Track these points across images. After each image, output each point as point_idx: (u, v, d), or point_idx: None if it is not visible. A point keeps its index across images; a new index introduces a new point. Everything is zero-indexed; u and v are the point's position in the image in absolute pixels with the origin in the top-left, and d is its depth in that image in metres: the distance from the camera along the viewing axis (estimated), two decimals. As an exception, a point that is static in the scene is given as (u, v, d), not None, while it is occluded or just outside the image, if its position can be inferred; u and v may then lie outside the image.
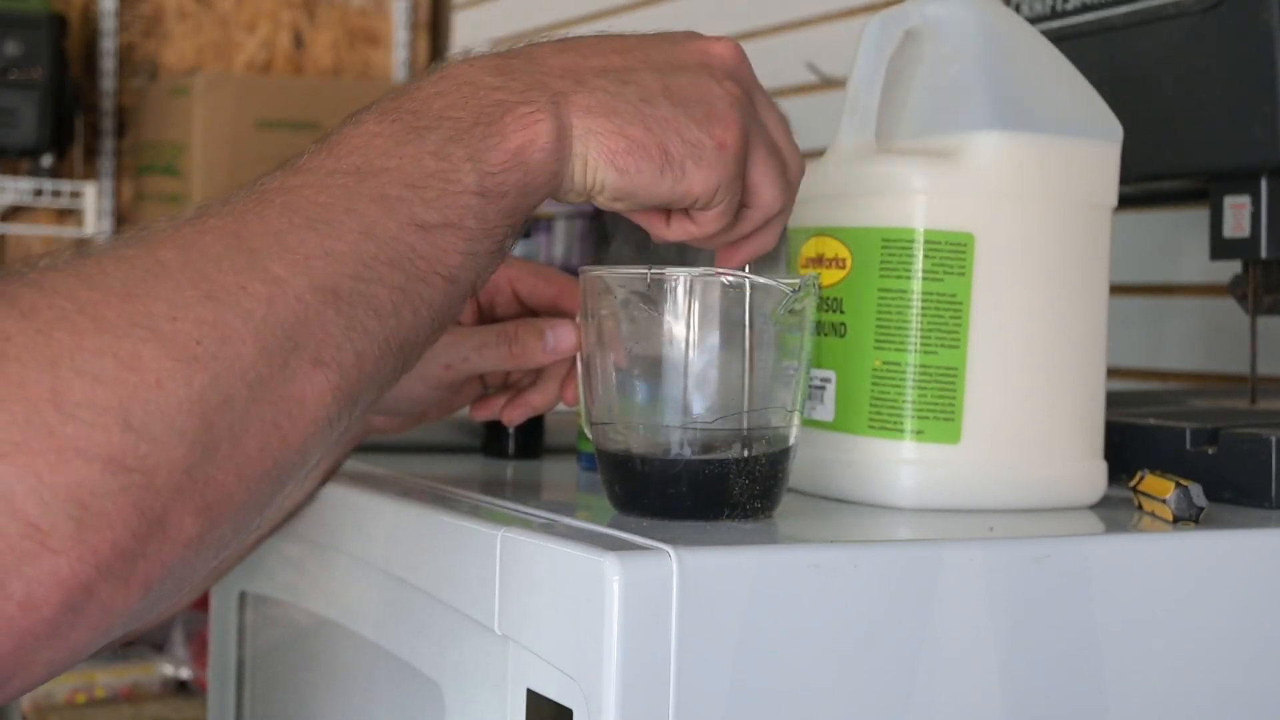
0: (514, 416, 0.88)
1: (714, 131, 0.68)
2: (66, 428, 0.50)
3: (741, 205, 0.72)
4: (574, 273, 0.79)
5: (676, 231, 0.72)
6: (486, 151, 0.63)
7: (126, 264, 0.55)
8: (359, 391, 0.59)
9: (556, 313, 0.86)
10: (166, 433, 0.52)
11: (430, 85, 0.65)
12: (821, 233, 0.82)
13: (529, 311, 0.88)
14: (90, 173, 2.65)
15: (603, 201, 0.68)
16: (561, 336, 0.83)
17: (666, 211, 0.72)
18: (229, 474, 0.54)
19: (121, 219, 2.65)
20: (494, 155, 0.63)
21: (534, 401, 0.88)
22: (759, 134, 0.71)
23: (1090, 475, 0.83)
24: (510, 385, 0.90)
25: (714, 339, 0.71)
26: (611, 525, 0.70)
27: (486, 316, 0.89)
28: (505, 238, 0.64)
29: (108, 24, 2.66)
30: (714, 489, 0.71)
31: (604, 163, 0.67)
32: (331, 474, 0.91)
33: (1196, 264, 1.36)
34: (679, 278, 0.71)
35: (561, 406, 0.90)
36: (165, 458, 0.52)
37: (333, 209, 0.59)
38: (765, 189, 0.71)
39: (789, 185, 0.73)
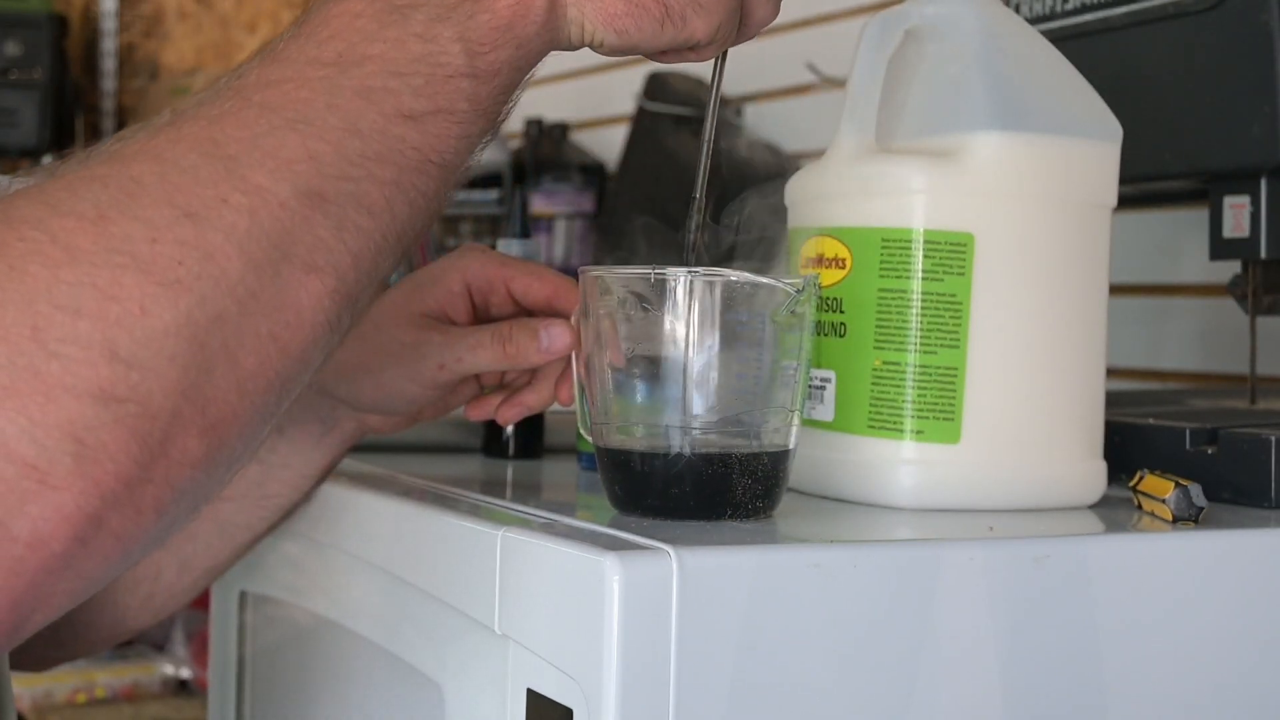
0: (509, 416, 0.88)
1: None
2: (52, 365, 0.49)
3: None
4: (574, 273, 0.79)
5: (672, 59, 0.71)
6: (476, 30, 0.61)
7: (99, 184, 0.53)
8: (358, 291, 0.57)
9: (551, 312, 0.86)
10: (156, 359, 0.51)
11: None
12: (821, 233, 0.82)
13: (524, 311, 0.88)
14: (90, 173, 2.65)
15: (602, 53, 0.67)
16: (556, 336, 0.82)
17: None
18: (229, 391, 0.53)
19: (122, 219, 2.65)
20: (484, 33, 0.61)
21: (529, 401, 0.87)
22: None
23: (1090, 475, 0.83)
24: (505, 385, 0.89)
25: (714, 339, 0.71)
26: (611, 525, 0.70)
27: (481, 316, 0.88)
28: (499, 115, 0.62)
29: (108, 24, 2.66)
30: (717, 488, 0.71)
31: (602, 25, 0.65)
32: (327, 474, 0.91)
33: (1196, 264, 1.36)
34: (679, 278, 0.71)
35: (557, 406, 0.90)
36: (158, 384, 0.51)
37: (314, 105, 0.57)
38: (759, 9, 0.71)
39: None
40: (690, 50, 0.70)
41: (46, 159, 2.53)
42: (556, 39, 0.64)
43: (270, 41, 0.60)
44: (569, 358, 0.83)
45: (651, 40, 0.67)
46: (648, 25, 0.66)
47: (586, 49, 0.67)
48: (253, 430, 0.55)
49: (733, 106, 1.90)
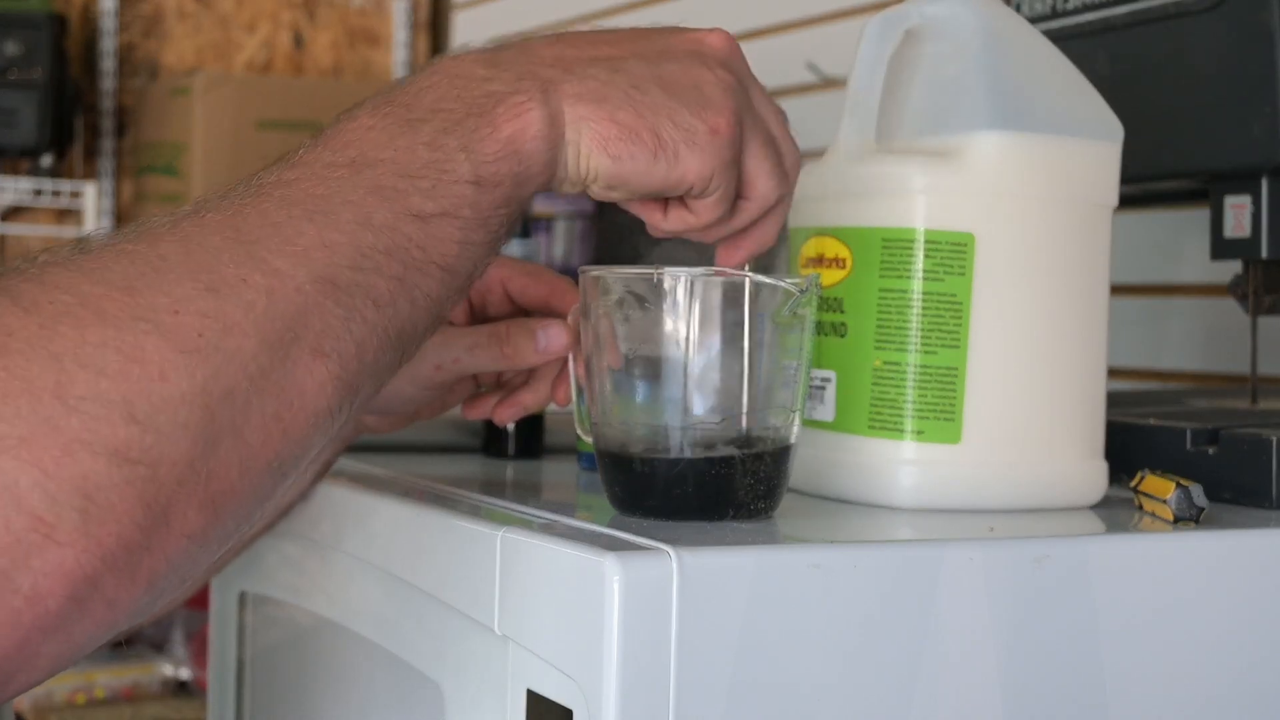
0: (505, 416, 0.88)
1: (706, 116, 0.68)
2: (71, 420, 0.50)
3: (738, 197, 0.72)
4: (574, 273, 0.79)
5: (674, 222, 0.72)
6: (479, 142, 0.64)
7: (127, 258, 0.55)
8: (359, 382, 0.59)
9: (548, 312, 0.86)
10: (170, 425, 0.52)
11: (423, 79, 0.66)
12: (821, 233, 0.82)
13: (521, 311, 0.88)
14: (90, 173, 2.65)
15: (597, 191, 0.68)
16: (553, 337, 0.83)
17: (664, 202, 0.72)
18: (232, 466, 0.54)
19: (121, 219, 2.64)
20: (487, 145, 0.64)
21: (526, 401, 0.87)
22: (753, 122, 0.71)
23: (1090, 475, 0.83)
24: (502, 384, 0.90)
25: (715, 339, 0.71)
26: (611, 526, 0.70)
27: (478, 316, 0.89)
28: (500, 228, 0.65)
29: (108, 24, 2.65)
30: (719, 489, 0.71)
31: (596, 149, 0.67)
32: (325, 472, 0.91)
33: (1196, 264, 1.36)
34: (680, 277, 0.71)
35: (555, 406, 0.90)
36: (169, 450, 0.52)
37: (330, 200, 0.59)
38: (761, 179, 0.72)
39: (785, 176, 0.73)
40: (687, 210, 0.71)
41: (46, 159, 2.52)
42: (554, 161, 0.66)
43: (287, 152, 0.63)
44: (566, 358, 0.83)
45: (644, 173, 0.68)
46: (640, 154, 0.67)
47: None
48: (247, 509, 0.56)
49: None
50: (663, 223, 0.73)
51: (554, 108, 0.66)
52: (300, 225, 0.58)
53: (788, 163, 0.73)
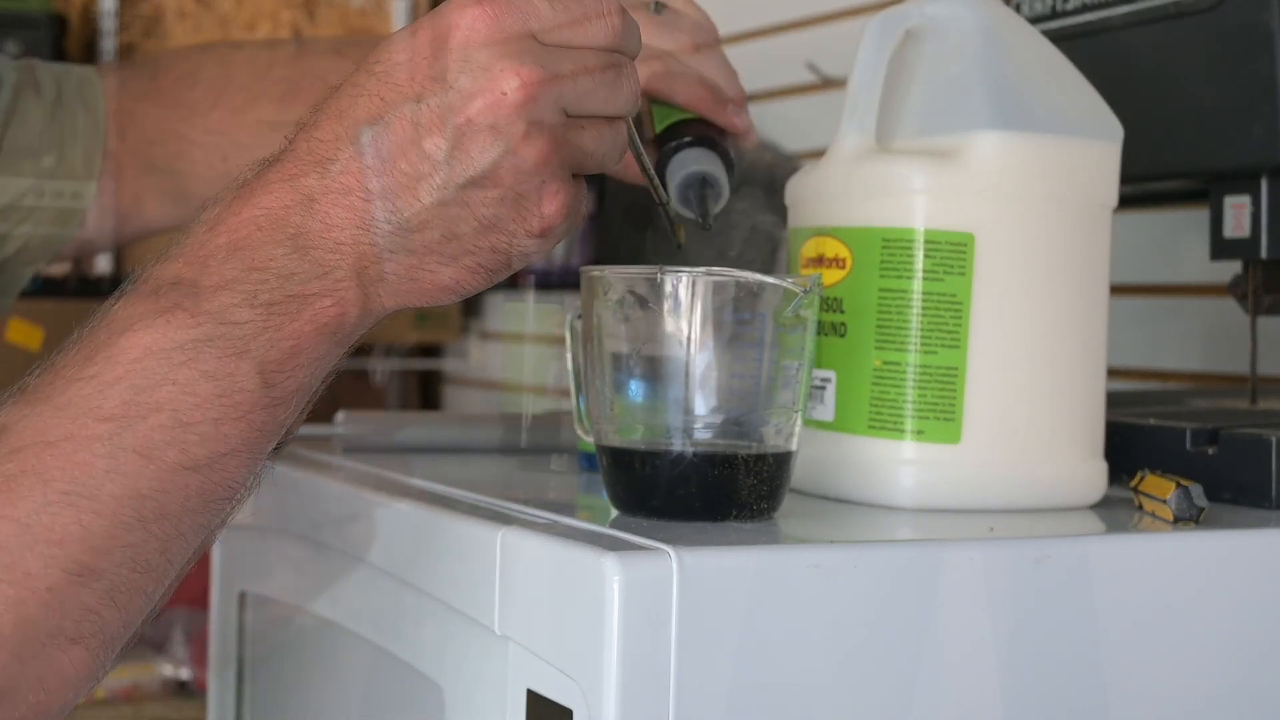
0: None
1: (530, 220, 0.62)
2: None
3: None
4: (574, 273, 0.79)
5: None
6: (276, 356, 0.58)
7: None
8: (124, 634, 0.57)
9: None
10: None
11: (219, 257, 0.58)
12: (821, 233, 0.82)
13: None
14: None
15: None
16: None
17: None
18: None
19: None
20: (285, 361, 0.58)
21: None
22: (578, 137, 0.63)
23: (1090, 475, 0.83)
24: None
25: (718, 338, 0.71)
26: (612, 526, 0.70)
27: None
28: (295, 425, 0.60)
29: (108, 24, 2.65)
30: (722, 489, 0.71)
31: (425, 304, 0.63)
32: None
33: (1196, 264, 1.36)
34: (683, 277, 0.71)
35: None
36: None
37: (92, 471, 0.55)
38: (596, 159, 0.64)
39: (618, 132, 0.65)
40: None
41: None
42: (361, 332, 0.62)
43: (55, 355, 0.57)
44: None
45: (484, 288, 0.63)
46: (475, 286, 0.63)
47: None
48: None
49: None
50: None
51: (368, 301, 0.60)
52: (57, 512, 0.54)
53: (623, 97, 0.64)
